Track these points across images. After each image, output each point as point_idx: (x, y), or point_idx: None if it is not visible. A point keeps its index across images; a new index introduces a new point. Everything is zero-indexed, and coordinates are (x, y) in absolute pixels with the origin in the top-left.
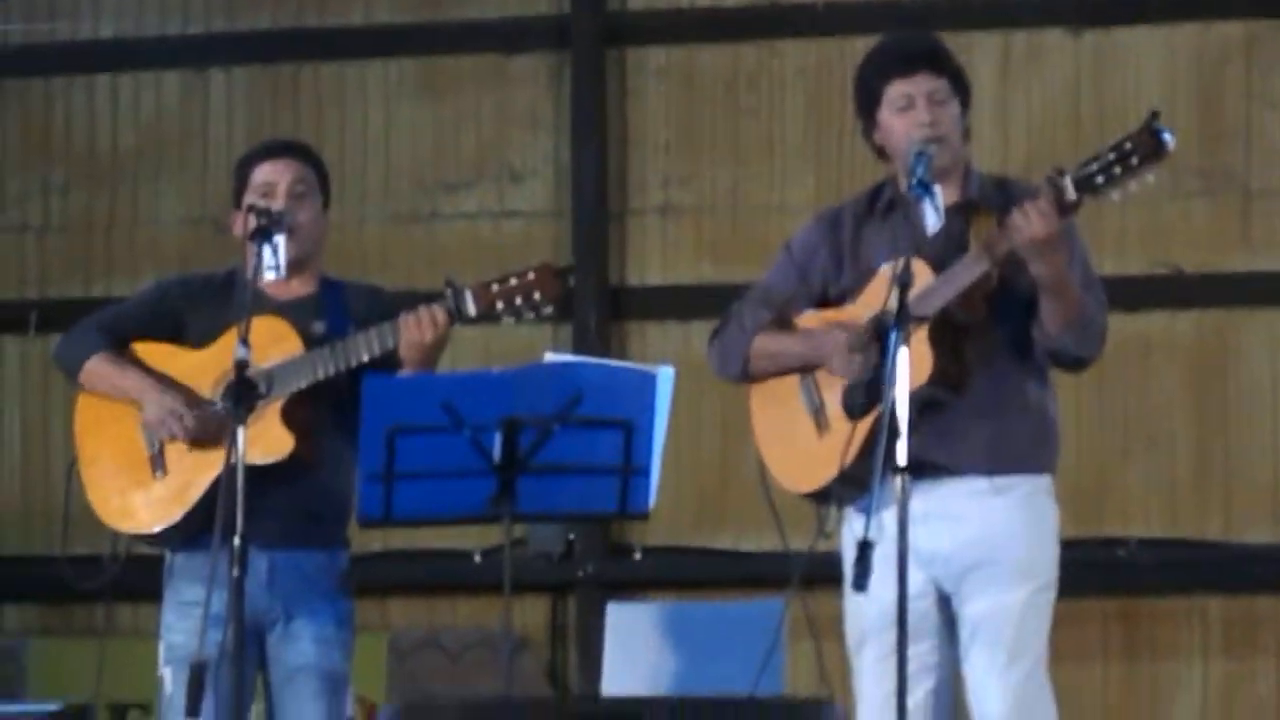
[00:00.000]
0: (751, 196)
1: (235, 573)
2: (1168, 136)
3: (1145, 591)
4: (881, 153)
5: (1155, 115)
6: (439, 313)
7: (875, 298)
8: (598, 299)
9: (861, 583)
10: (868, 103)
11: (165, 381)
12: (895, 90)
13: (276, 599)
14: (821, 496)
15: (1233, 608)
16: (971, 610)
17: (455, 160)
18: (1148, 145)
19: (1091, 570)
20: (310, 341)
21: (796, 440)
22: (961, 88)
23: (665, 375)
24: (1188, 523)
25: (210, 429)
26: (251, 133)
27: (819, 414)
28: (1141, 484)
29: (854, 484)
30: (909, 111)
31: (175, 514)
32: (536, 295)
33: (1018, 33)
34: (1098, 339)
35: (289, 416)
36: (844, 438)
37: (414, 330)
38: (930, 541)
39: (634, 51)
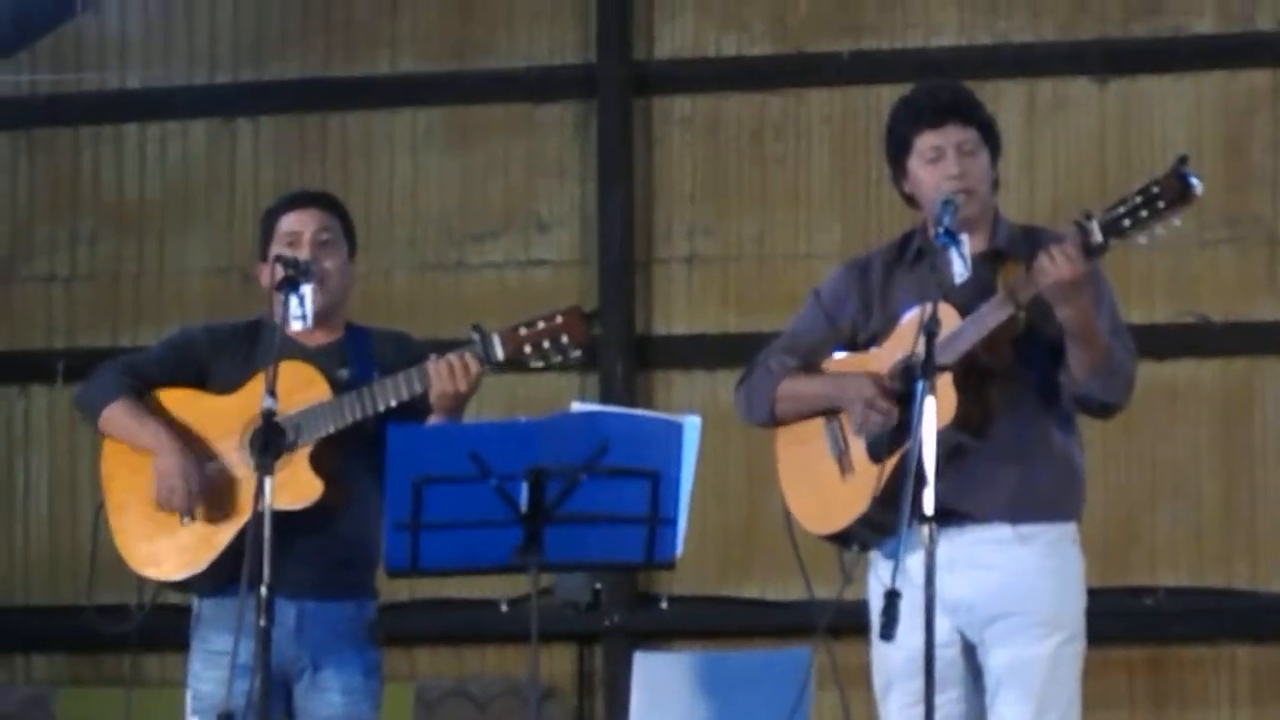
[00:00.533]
0: (777, 246)
1: (262, 622)
2: (1195, 181)
3: (1172, 640)
4: (911, 201)
5: (1183, 160)
6: (471, 360)
7: (902, 343)
8: (624, 348)
9: (889, 632)
10: (898, 152)
11: (182, 435)
12: (925, 141)
13: (304, 649)
14: (843, 539)
15: (1260, 656)
16: (997, 661)
17: (482, 209)
18: (1175, 190)
19: (1118, 619)
20: (337, 387)
21: (819, 482)
22: (991, 138)
23: (692, 425)
24: (1214, 571)
25: (218, 487)
26: (278, 182)
27: (843, 456)
28: (1168, 532)
29: (876, 529)
30: (939, 163)
31: (202, 561)
32: (564, 339)
33: (1044, 81)
34: (1125, 386)
35: (318, 462)
36: (867, 480)
37: (446, 378)
38: (955, 590)
39: (660, 100)
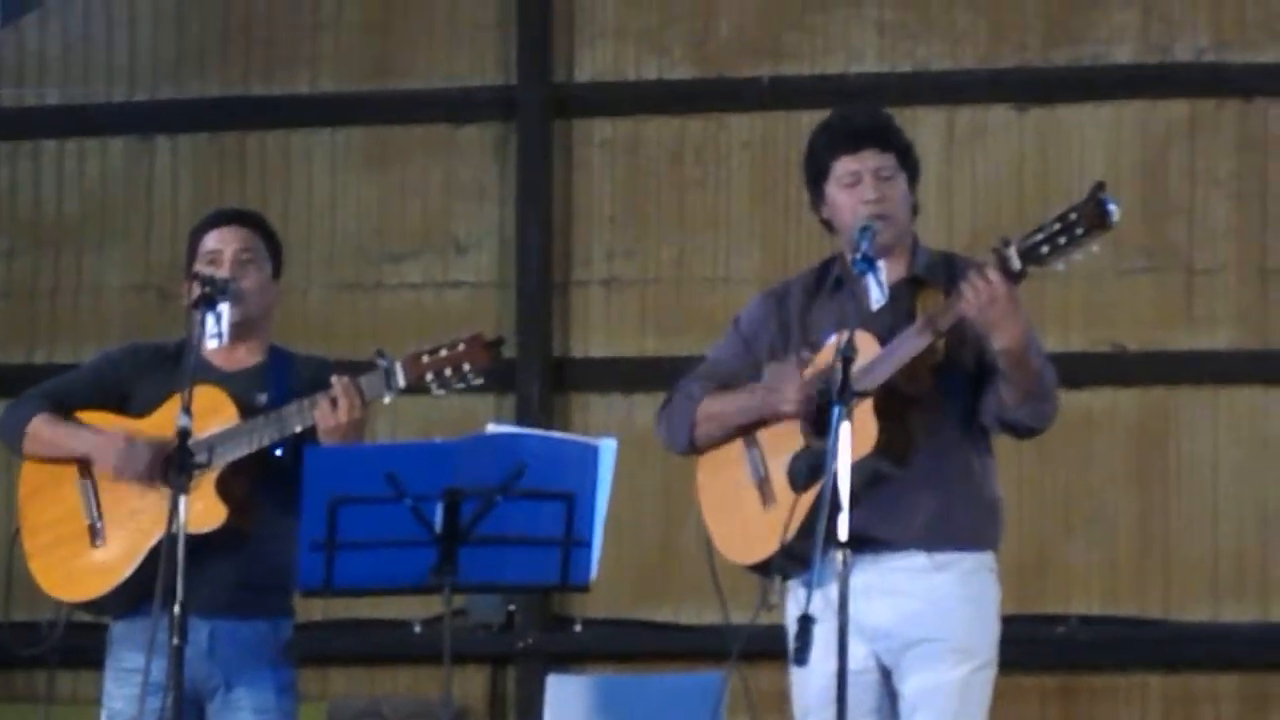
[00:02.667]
0: (696, 269)
1: (175, 641)
2: (1112, 207)
3: (1085, 668)
4: (829, 226)
5: (1101, 186)
6: (351, 391)
7: (821, 369)
8: (541, 370)
9: (802, 657)
10: (816, 177)
11: (107, 430)
12: (842, 166)
13: (217, 667)
14: (765, 569)
15: (1172, 685)
16: (910, 687)
17: (400, 230)
18: (1092, 216)
19: (1031, 647)
20: (249, 412)
21: (741, 511)
22: (909, 163)
23: (608, 448)
24: (1128, 600)
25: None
26: (197, 200)
27: (764, 485)
28: (1082, 561)
29: (797, 558)
30: (855, 188)
31: (115, 581)
32: (466, 366)
33: (963, 109)
34: (1053, 411)
35: (224, 488)
36: (788, 511)
37: (326, 413)
38: (872, 616)
39: (580, 123)
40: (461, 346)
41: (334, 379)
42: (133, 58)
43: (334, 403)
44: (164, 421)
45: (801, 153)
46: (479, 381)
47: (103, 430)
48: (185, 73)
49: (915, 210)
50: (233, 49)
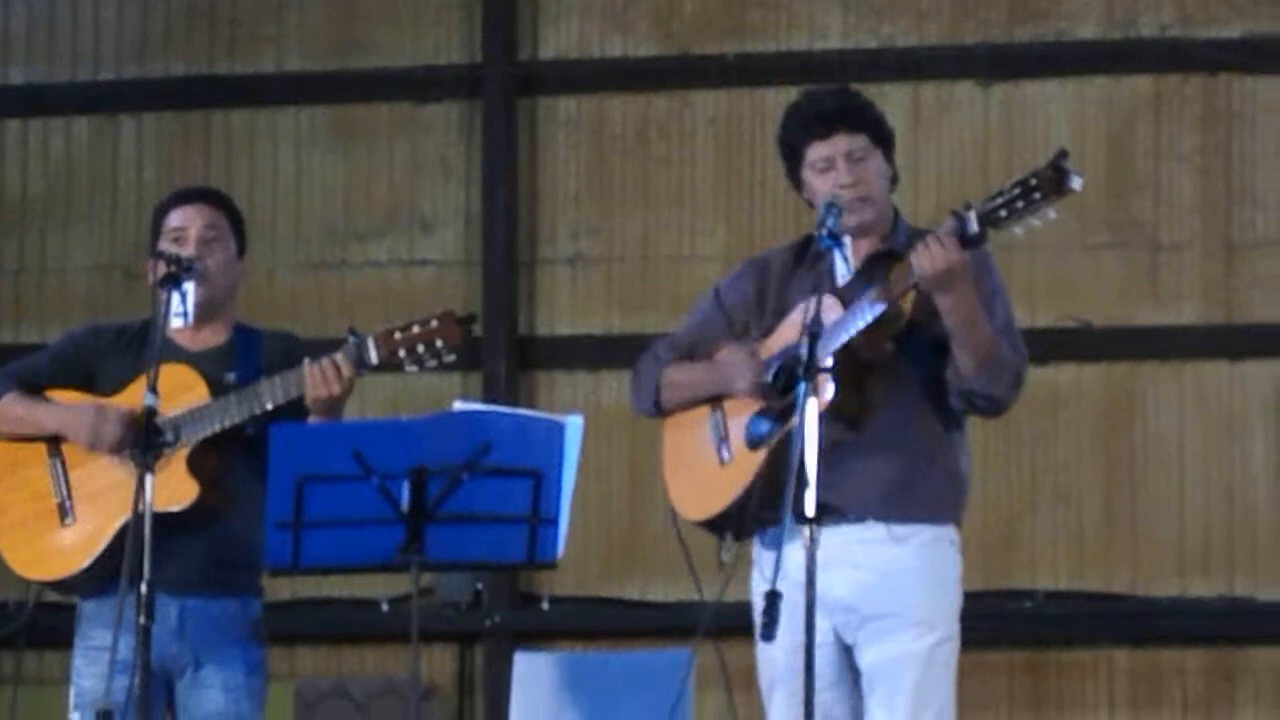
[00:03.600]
0: (662, 247)
1: (142, 620)
2: (1072, 174)
3: (1052, 643)
4: (814, 207)
5: (1063, 153)
6: (343, 363)
7: (785, 338)
8: (507, 348)
9: (769, 632)
10: (791, 164)
11: (77, 404)
12: (815, 152)
13: (186, 646)
14: (717, 526)
15: (1139, 660)
16: (870, 661)
17: (366, 208)
18: (1052, 181)
19: (998, 622)
20: (220, 390)
21: (698, 468)
22: (883, 138)
23: (574, 425)
24: (1095, 575)
25: (136, 431)
26: (161, 180)
27: (723, 444)
28: (1049, 536)
29: (751, 518)
30: (829, 173)
31: (84, 561)
32: (439, 343)
33: (928, 85)
34: (1012, 381)
35: (195, 465)
36: (744, 468)
37: (319, 383)
38: (830, 589)
39: (545, 101)
40: (434, 323)
41: (326, 358)
42: (97, 37)
43: (324, 372)
44: (132, 400)
45: (766, 130)
46: (451, 358)
47: (73, 405)
48: (150, 51)
49: (894, 180)
50: (197, 28)
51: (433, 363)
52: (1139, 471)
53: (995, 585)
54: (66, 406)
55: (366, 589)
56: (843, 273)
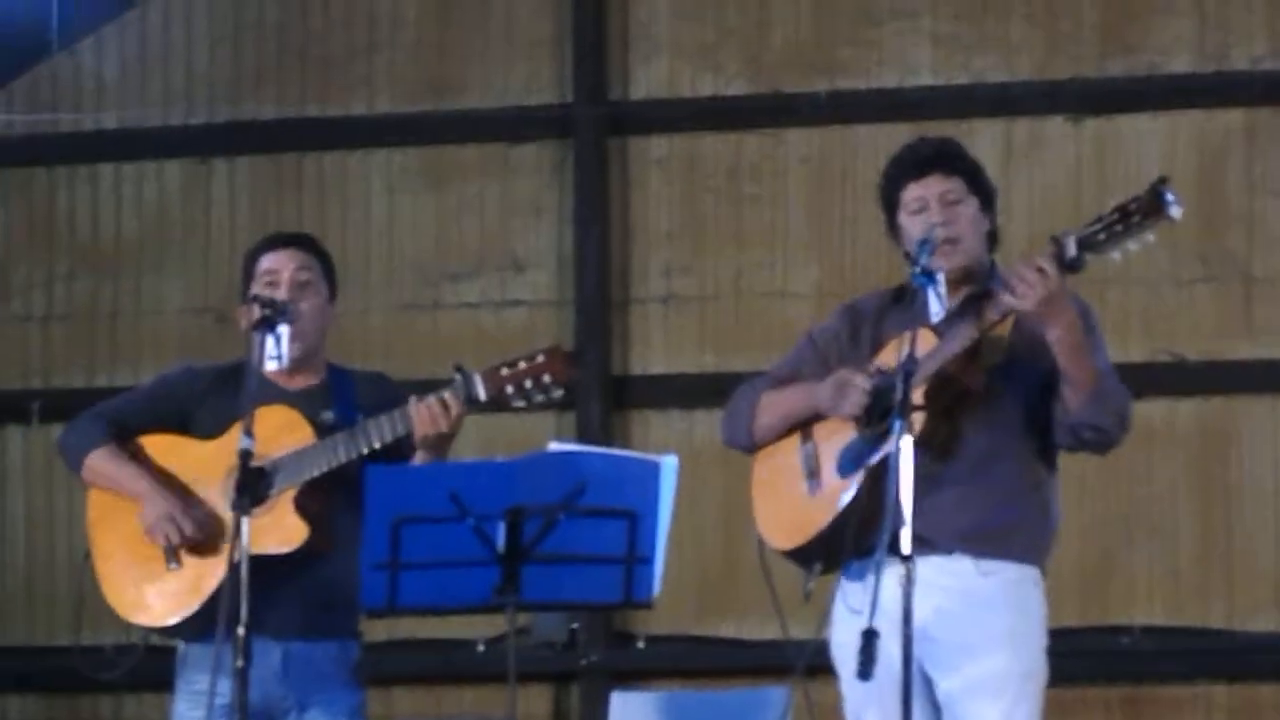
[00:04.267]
0: (754, 285)
1: (239, 664)
2: (1171, 197)
3: (1149, 679)
4: (909, 257)
5: (1163, 179)
6: (452, 401)
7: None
8: (601, 388)
9: (866, 671)
10: (889, 209)
11: (166, 480)
12: (909, 194)
13: (290, 689)
14: (803, 555)
15: (1236, 695)
16: (951, 691)
17: (458, 249)
18: (1150, 205)
19: (1095, 658)
20: (320, 430)
21: (788, 498)
22: (980, 188)
23: (669, 465)
24: (1191, 610)
25: (208, 530)
26: (254, 222)
27: (814, 475)
28: (1145, 571)
29: (841, 549)
30: (921, 214)
31: (191, 606)
32: (546, 378)
33: (1020, 120)
34: (1119, 415)
35: (303, 506)
36: (834, 497)
37: (427, 421)
38: (914, 619)
39: (636, 141)
40: (540, 358)
41: (434, 395)
42: (189, 80)
43: (432, 411)
44: (231, 443)
45: (858, 167)
46: (559, 394)
47: (156, 489)
48: (242, 94)
49: (993, 238)
50: (289, 70)
51: (540, 398)
52: (1234, 505)
53: (1092, 621)
54: (144, 481)
55: (462, 630)
56: (936, 310)
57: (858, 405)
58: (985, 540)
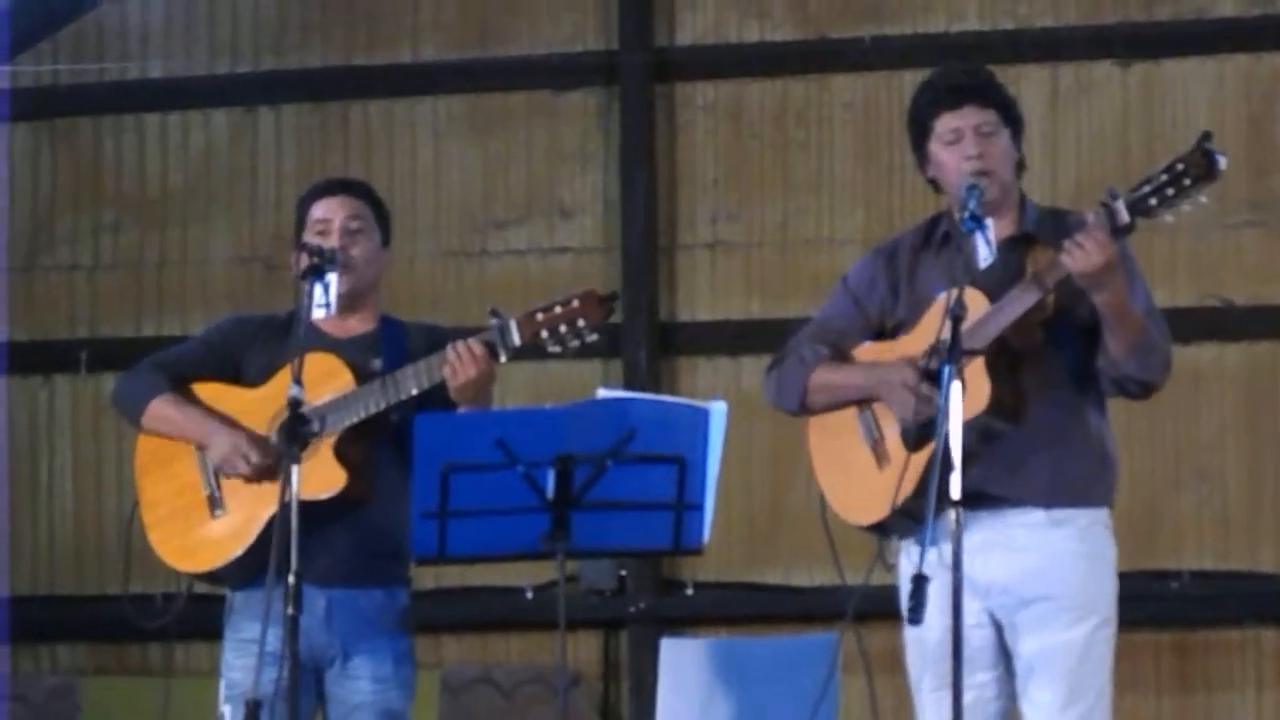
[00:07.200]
0: (800, 231)
1: (290, 611)
2: (1220, 157)
3: (1198, 624)
4: (936, 186)
5: (1207, 136)
6: (476, 346)
7: (929, 330)
8: (648, 334)
9: (916, 616)
10: (919, 138)
11: (228, 421)
12: (943, 124)
13: (335, 636)
14: (881, 529)
15: None
16: (1028, 646)
17: (505, 197)
18: (1200, 166)
19: (1144, 603)
20: (365, 378)
21: (856, 472)
22: (1012, 119)
23: (719, 411)
24: (1240, 554)
25: (274, 463)
26: (300, 171)
27: (878, 446)
28: (1193, 516)
29: (913, 517)
30: (957, 145)
31: (235, 551)
32: (580, 322)
33: (1066, 65)
34: (1162, 364)
35: (342, 453)
36: (904, 470)
37: (455, 368)
38: (987, 573)
39: (682, 87)
40: (575, 302)
41: (457, 343)
42: (235, 29)
43: (458, 356)
44: (278, 391)
45: (904, 113)
46: (594, 337)
47: (221, 422)
48: (287, 43)
49: (1021, 166)
50: (334, 19)
51: (575, 343)
52: None
53: (1141, 566)
54: (211, 421)
55: (511, 577)
56: (984, 255)
57: (921, 414)
58: (1055, 488)
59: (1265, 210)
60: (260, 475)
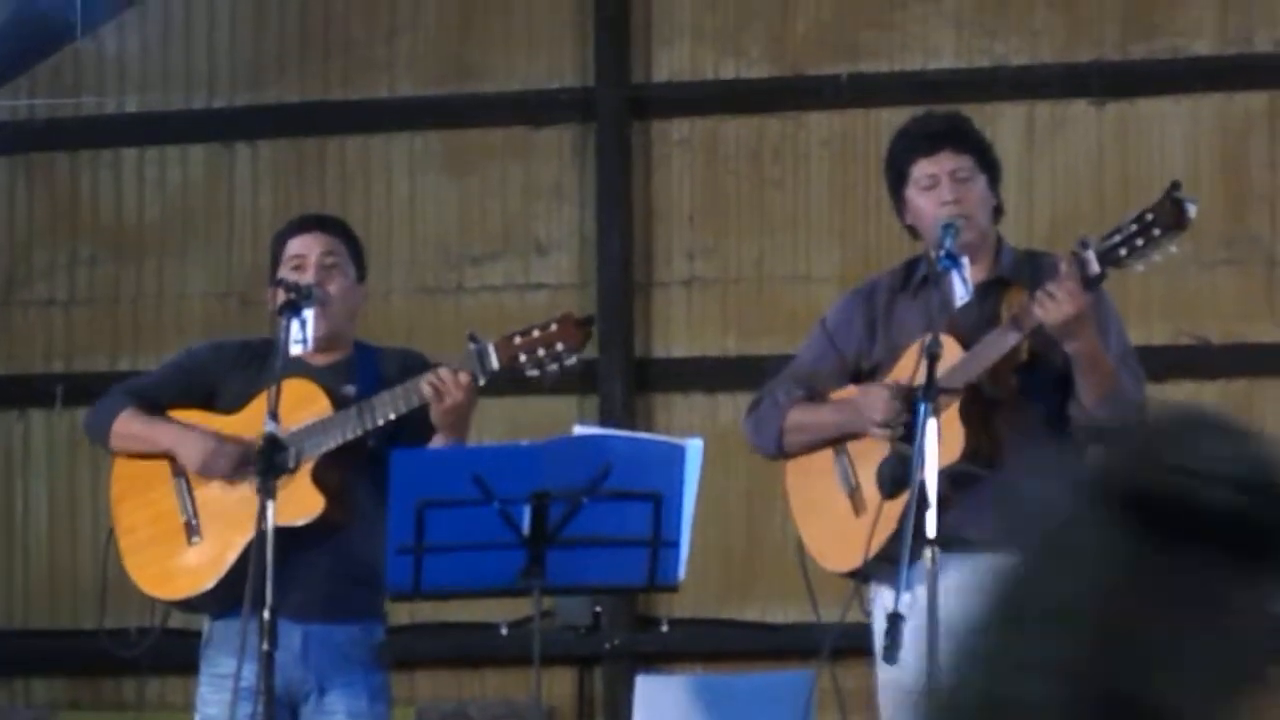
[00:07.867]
0: (777, 268)
1: (265, 647)
2: (1189, 206)
3: None
4: (914, 233)
5: (1176, 185)
6: (462, 374)
7: (906, 371)
8: (623, 371)
9: (891, 655)
10: (896, 184)
11: (195, 427)
12: (920, 169)
13: (310, 671)
14: (860, 575)
15: None
16: None
17: (480, 232)
18: (1169, 215)
19: None
20: (340, 404)
21: (832, 518)
22: (988, 164)
23: (694, 448)
24: None
25: (250, 459)
26: (277, 206)
27: (855, 493)
28: None
29: (889, 559)
30: (933, 190)
31: (211, 579)
32: (559, 346)
33: (1042, 104)
34: (1134, 411)
35: (320, 478)
36: (880, 518)
37: (435, 391)
38: (961, 613)
39: (659, 124)
40: (553, 326)
41: (441, 369)
42: (211, 64)
43: (442, 381)
44: (253, 419)
45: (881, 150)
46: (572, 361)
47: (190, 427)
48: (264, 79)
49: (999, 211)
50: (311, 54)
51: (554, 367)
52: None
53: None
54: (184, 428)
55: (486, 613)
56: (961, 293)
57: (888, 409)
58: None
59: (1240, 248)
60: (241, 468)
